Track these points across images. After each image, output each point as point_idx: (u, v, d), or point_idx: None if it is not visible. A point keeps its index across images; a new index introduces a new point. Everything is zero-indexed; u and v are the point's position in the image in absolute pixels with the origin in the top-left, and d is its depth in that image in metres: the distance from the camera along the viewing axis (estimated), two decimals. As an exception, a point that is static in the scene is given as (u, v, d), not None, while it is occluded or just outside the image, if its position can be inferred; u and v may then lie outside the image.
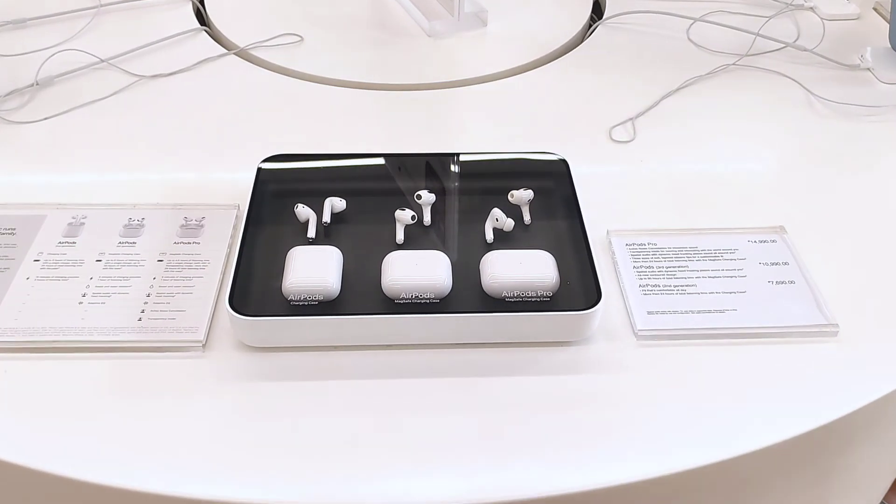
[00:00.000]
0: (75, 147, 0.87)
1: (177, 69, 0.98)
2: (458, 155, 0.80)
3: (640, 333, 0.66)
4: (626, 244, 0.74)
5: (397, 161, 0.80)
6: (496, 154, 0.81)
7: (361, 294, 0.68)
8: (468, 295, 0.68)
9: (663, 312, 0.68)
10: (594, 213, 0.75)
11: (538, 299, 0.66)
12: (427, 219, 0.75)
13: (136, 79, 0.96)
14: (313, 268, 0.67)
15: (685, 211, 0.79)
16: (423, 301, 0.65)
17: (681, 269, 0.72)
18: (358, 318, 0.64)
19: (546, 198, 0.77)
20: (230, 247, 0.73)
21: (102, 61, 0.98)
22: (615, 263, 0.73)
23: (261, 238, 0.72)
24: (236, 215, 0.77)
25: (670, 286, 0.70)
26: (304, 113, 0.93)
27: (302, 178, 0.79)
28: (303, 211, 0.74)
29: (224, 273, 0.71)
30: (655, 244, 0.74)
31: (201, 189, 0.81)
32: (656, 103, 0.94)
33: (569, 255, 0.71)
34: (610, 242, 0.75)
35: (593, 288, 0.66)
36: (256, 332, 0.64)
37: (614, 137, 0.89)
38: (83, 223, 0.76)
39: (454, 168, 0.80)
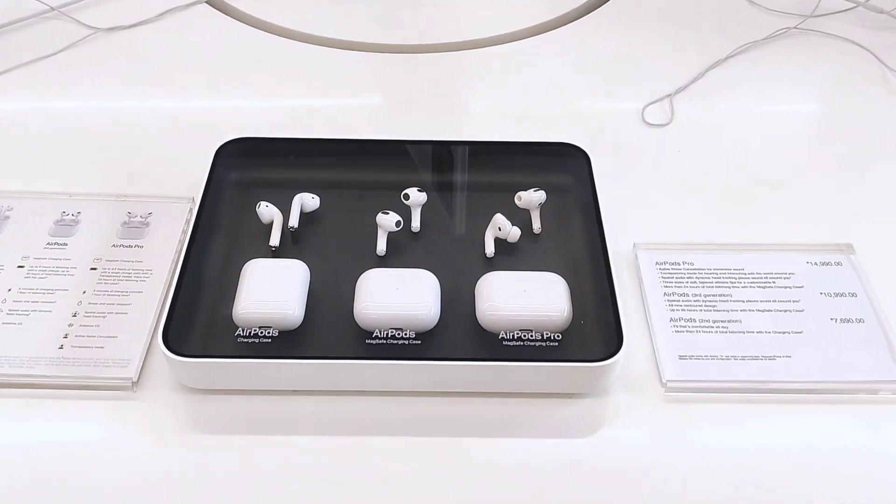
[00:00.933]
0: (11, 115, 0.76)
1: (138, 20, 0.86)
2: (456, 143, 0.68)
3: (669, 385, 0.55)
4: (657, 262, 0.62)
5: (383, 149, 0.67)
6: (502, 143, 0.68)
7: (330, 323, 0.56)
8: (459, 328, 0.56)
9: (699, 357, 0.56)
10: (619, 219, 0.62)
11: (544, 342, 0.54)
12: (416, 224, 0.63)
13: (91, 31, 0.84)
14: (271, 290, 0.56)
15: (731, 219, 0.66)
16: (402, 340, 0.54)
17: (722, 298, 0.60)
18: (317, 363, 0.53)
19: (561, 199, 0.64)
20: (179, 252, 0.62)
21: (52, 10, 0.85)
22: (641, 287, 0.60)
23: (212, 246, 0.61)
24: (190, 209, 0.65)
25: (708, 321, 0.58)
26: (281, 79, 0.80)
27: (268, 167, 0.67)
28: (266, 211, 0.62)
29: (168, 288, 0.59)
30: (692, 264, 0.62)
31: (153, 175, 0.69)
32: (700, 76, 0.80)
33: (585, 278, 0.59)
34: (636, 258, 0.62)
35: (612, 329, 0.54)
36: (196, 373, 0.53)
37: (647, 119, 0.75)
38: (7, 216, 0.64)
39: (451, 159, 0.67)
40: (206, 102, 0.77)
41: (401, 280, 0.57)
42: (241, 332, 0.54)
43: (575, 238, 0.62)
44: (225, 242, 0.61)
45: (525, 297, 0.56)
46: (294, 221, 0.62)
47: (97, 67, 0.81)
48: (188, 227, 0.62)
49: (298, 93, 0.79)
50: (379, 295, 0.56)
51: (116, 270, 0.61)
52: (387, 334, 0.54)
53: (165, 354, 0.52)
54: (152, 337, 0.57)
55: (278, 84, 0.80)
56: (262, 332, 0.54)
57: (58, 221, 0.64)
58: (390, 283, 0.56)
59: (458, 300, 0.57)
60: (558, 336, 0.54)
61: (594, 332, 0.55)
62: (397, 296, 0.56)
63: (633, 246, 0.63)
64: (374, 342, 0.54)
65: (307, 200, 0.64)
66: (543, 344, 0.54)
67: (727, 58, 0.82)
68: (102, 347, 0.56)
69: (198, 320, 0.56)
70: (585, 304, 0.57)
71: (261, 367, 0.53)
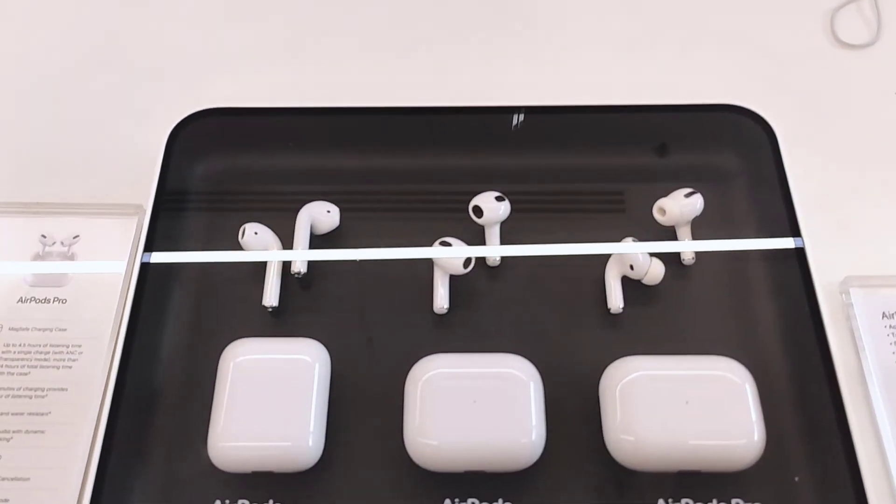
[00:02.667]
0: None
1: None
2: (547, 111, 0.44)
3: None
4: (884, 314, 0.40)
5: (434, 123, 0.44)
6: (623, 108, 0.44)
7: (366, 457, 0.37)
8: (577, 463, 0.36)
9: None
10: (812, 232, 0.41)
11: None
12: (494, 255, 0.41)
13: None
14: (269, 405, 0.36)
15: None
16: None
17: None
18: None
19: (724, 205, 0.42)
20: (121, 311, 0.41)
21: None
22: (861, 355, 0.39)
23: (174, 303, 0.41)
24: (137, 226, 0.44)
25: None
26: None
27: (253, 158, 0.45)
28: (256, 240, 0.41)
29: (106, 389, 0.39)
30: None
31: (78, 168, 0.47)
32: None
33: (775, 356, 0.38)
34: (847, 299, 0.41)
35: (843, 477, 0.34)
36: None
37: (839, 35, 0.51)
38: None
39: (541, 138, 0.44)
40: (155, 47, 0.52)
41: (480, 381, 0.36)
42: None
43: (754, 276, 0.41)
44: (193, 294, 0.41)
45: (689, 414, 0.35)
46: (300, 264, 0.40)
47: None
48: (134, 262, 0.41)
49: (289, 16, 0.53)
50: (446, 415, 0.35)
51: (26, 348, 0.41)
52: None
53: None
54: (93, 457, 0.37)
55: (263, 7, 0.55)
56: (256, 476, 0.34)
57: (-66, 254, 0.43)
58: (463, 390, 0.36)
59: (570, 400, 0.37)
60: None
61: (805, 471, 0.35)
62: (476, 413, 0.36)
63: (843, 282, 0.41)
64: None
65: (319, 216, 0.42)
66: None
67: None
68: (7, 501, 0.37)
69: (152, 465, 0.36)
70: (782, 412, 0.37)
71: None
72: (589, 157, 0.44)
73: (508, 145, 0.44)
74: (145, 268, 0.41)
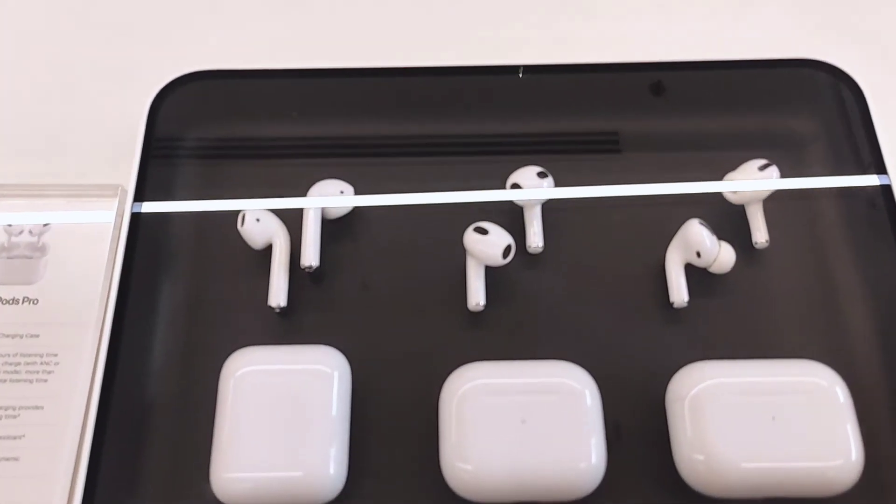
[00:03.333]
0: None
1: None
2: (591, 69, 0.39)
3: None
4: None
5: (461, 86, 0.39)
6: (680, 65, 0.39)
7: (394, 480, 0.32)
8: (642, 487, 0.32)
9: None
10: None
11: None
12: (535, 239, 0.36)
13: None
14: (280, 427, 0.31)
15: None
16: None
17: None
18: None
19: (803, 175, 0.37)
20: (103, 311, 0.36)
21: None
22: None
23: (165, 302, 0.36)
24: (117, 210, 0.38)
25: None
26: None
27: (253, 128, 0.39)
28: (258, 227, 0.36)
29: (91, 394, 0.34)
30: None
31: (47, 141, 0.41)
32: None
33: (871, 365, 0.34)
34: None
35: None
36: None
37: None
38: None
39: (586, 103, 0.39)
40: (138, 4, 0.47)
41: (528, 394, 0.32)
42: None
43: (839, 262, 0.36)
44: (187, 293, 0.36)
45: (773, 430, 0.31)
46: (312, 255, 0.35)
47: None
48: (116, 253, 0.36)
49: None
50: (489, 435, 0.31)
51: (-7, 358, 0.36)
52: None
53: None
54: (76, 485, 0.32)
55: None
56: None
57: None
58: (509, 405, 0.31)
59: (631, 414, 0.33)
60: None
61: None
62: (524, 433, 0.31)
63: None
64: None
65: (331, 197, 0.37)
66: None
67: None
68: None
69: (146, 498, 0.31)
70: (881, 426, 0.32)
71: None
72: (648, 128, 0.39)
73: (551, 106, 0.39)
74: (129, 260, 0.36)
